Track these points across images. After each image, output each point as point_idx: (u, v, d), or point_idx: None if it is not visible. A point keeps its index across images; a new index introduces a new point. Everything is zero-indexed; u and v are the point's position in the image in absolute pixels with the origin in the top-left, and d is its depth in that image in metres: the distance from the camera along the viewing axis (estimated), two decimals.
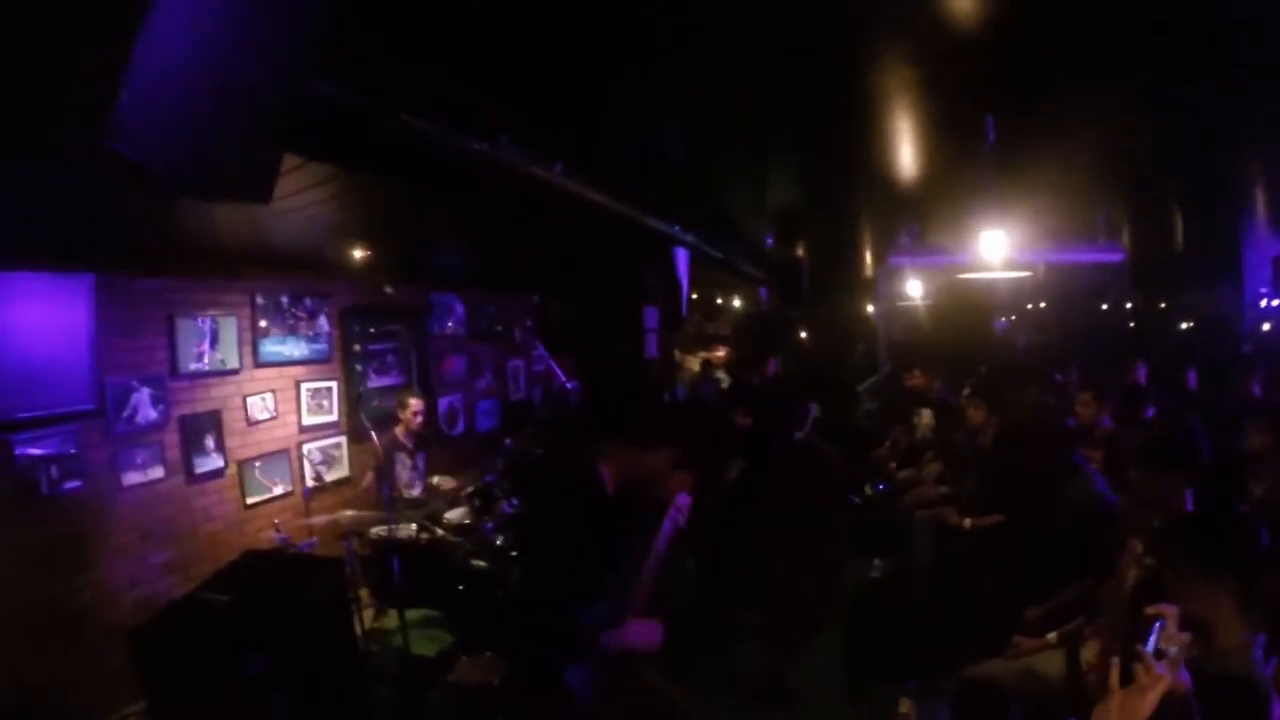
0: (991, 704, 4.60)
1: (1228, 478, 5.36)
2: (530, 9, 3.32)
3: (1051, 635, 4.63)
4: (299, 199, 4.60)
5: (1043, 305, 22.26)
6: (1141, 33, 3.96)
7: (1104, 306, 21.18)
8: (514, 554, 6.31)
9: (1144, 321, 19.59)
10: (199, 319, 6.55)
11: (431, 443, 8.06)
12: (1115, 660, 2.55)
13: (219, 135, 1.70)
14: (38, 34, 1.50)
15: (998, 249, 6.95)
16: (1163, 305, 18.60)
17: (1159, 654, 2.51)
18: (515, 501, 6.86)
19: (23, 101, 1.51)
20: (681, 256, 9.06)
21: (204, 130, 1.67)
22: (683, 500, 3.42)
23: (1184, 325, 17.58)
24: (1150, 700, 2.43)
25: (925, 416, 10.21)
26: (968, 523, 6.97)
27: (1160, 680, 2.44)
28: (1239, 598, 2.89)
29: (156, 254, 6.05)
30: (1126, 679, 2.51)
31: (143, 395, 6.09)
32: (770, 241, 10.91)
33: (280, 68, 1.86)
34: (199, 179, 1.70)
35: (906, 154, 6.34)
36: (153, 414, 6.16)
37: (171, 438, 6.32)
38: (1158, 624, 2.59)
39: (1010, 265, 7.47)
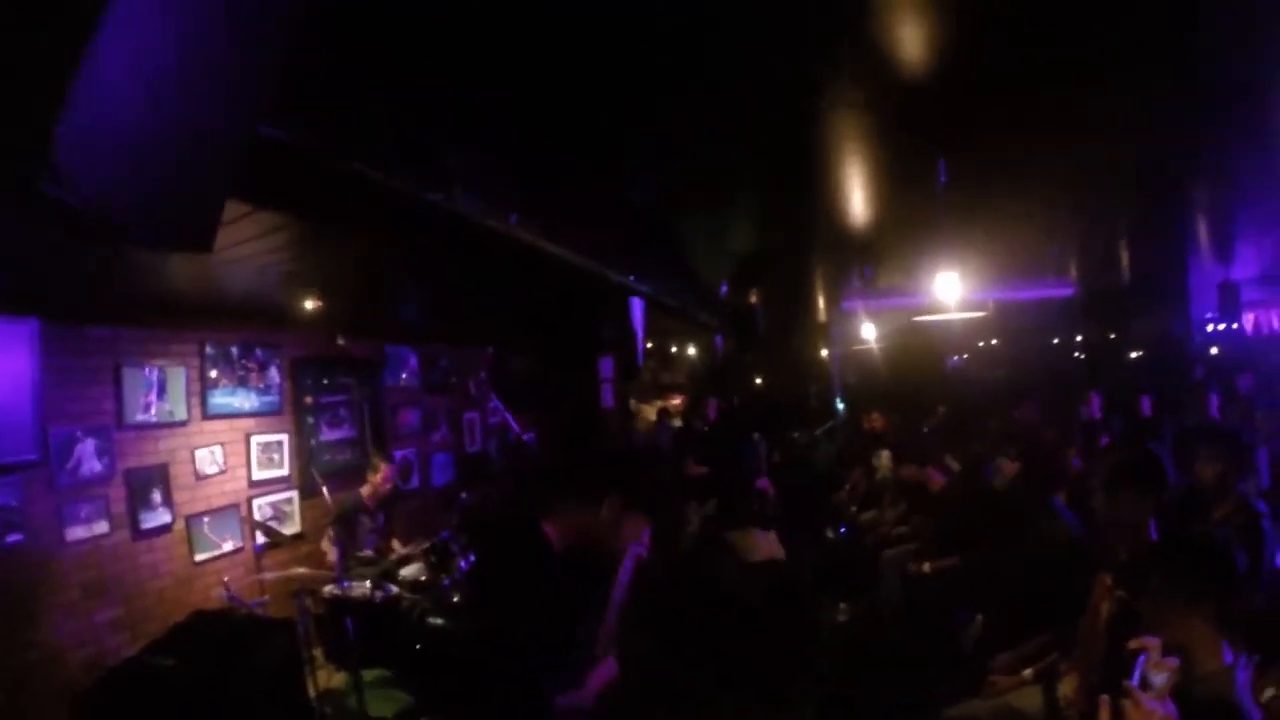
0: None
1: (1190, 502, 5.38)
2: (485, 57, 3.28)
3: (1027, 672, 4.60)
4: (248, 247, 4.51)
5: (994, 342, 22.53)
6: (1085, 71, 4.01)
7: (1055, 340, 21.47)
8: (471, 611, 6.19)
9: (1095, 353, 19.86)
10: (147, 369, 6.42)
11: (394, 502, 7.90)
12: (1105, 699, 2.51)
13: (162, 181, 1.63)
14: None
15: (953, 290, 6.99)
16: (1113, 336, 18.86)
17: (1145, 686, 2.48)
18: (472, 557, 6.73)
19: None
20: (637, 305, 9.04)
21: (146, 176, 1.59)
22: (644, 535, 3.31)
23: (1134, 354, 17.86)
24: None
25: (884, 458, 10.23)
26: (927, 567, 6.96)
27: (1151, 715, 2.40)
28: (1216, 621, 2.87)
29: (104, 301, 5.92)
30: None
31: (88, 446, 5.94)
32: (725, 289, 10.93)
33: (230, 111, 1.80)
34: (140, 227, 1.62)
35: (858, 198, 6.36)
36: (98, 466, 6.00)
37: (117, 491, 6.17)
38: (1141, 657, 2.56)
39: (965, 306, 7.52)
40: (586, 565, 3.08)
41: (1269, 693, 3.62)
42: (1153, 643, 2.60)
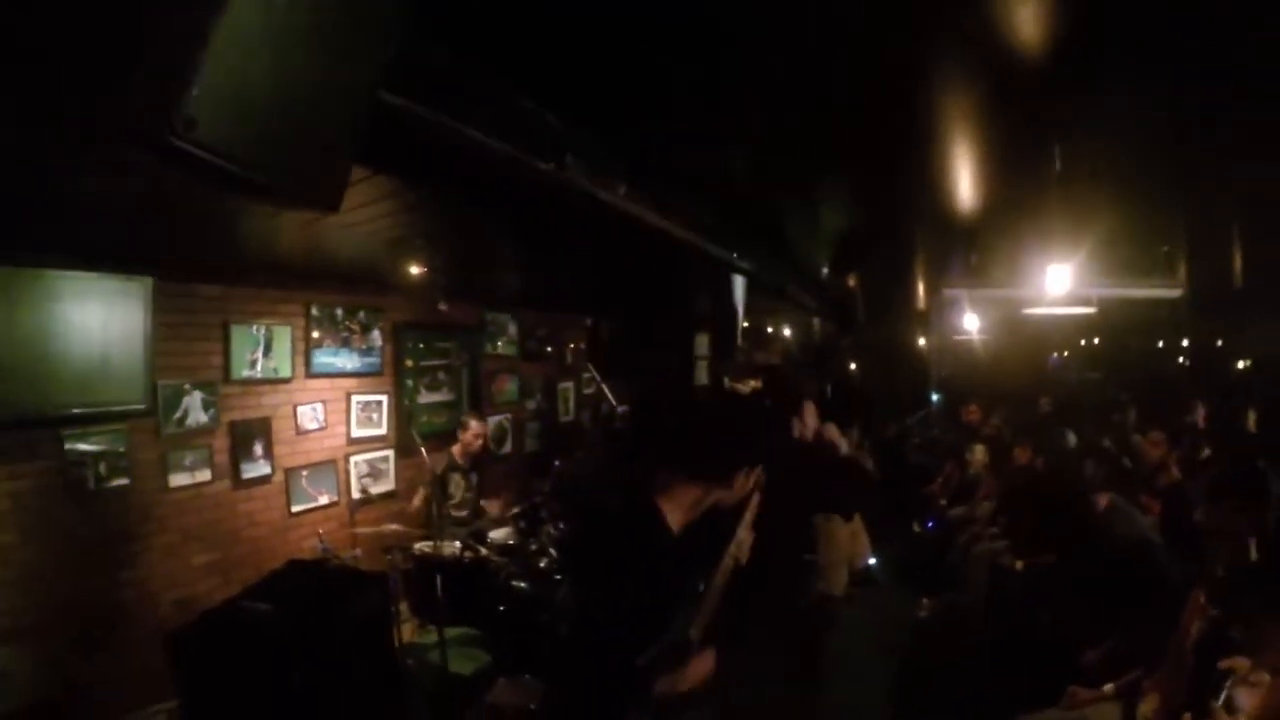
0: None
1: None
2: (596, 26, 3.29)
3: (1108, 687, 4.51)
4: (361, 213, 4.60)
5: (1096, 341, 21.97)
6: (1205, 61, 3.88)
7: (1159, 344, 20.87)
8: (558, 578, 6.26)
9: (1200, 360, 19.27)
10: (254, 327, 6.62)
11: (484, 463, 8.02)
12: (1188, 717, 2.46)
13: (292, 140, 1.67)
14: (109, 27, 1.48)
15: (1063, 284, 6.83)
16: (1220, 343, 18.26)
17: (1231, 708, 2.43)
18: (562, 525, 6.80)
19: (96, 92, 1.49)
20: (738, 284, 9.01)
21: (277, 134, 1.63)
22: (745, 534, 3.22)
23: (1241, 364, 17.29)
24: None
25: (979, 453, 10.04)
26: (1019, 564, 6.85)
27: None
28: None
29: (215, 261, 6.12)
30: None
31: (194, 399, 6.16)
32: (826, 270, 10.83)
33: (354, 73, 1.83)
34: (268, 184, 1.67)
35: (966, 182, 6.24)
36: (203, 417, 6.22)
37: (221, 442, 6.39)
38: (1229, 678, 2.51)
39: (1074, 300, 7.35)
40: (698, 542, 2.97)
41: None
42: (1242, 663, 2.55)
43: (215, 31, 1.49)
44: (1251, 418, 11.80)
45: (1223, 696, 2.47)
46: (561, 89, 3.73)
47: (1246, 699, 2.48)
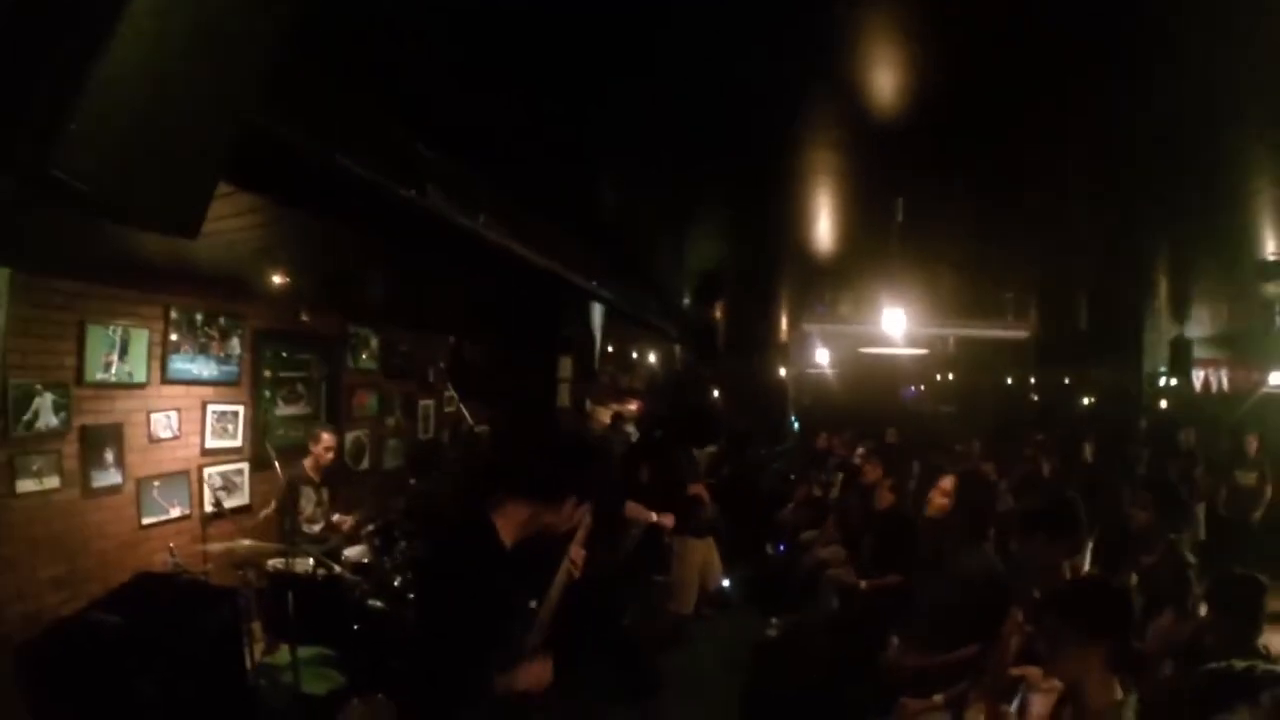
0: None
1: (1116, 548, 5.62)
2: (462, 55, 3.42)
3: (938, 697, 4.77)
4: (224, 224, 4.61)
5: (950, 377, 22.87)
6: (1044, 123, 4.18)
7: (1009, 380, 21.85)
8: (412, 596, 6.28)
9: (1047, 395, 20.28)
10: (110, 327, 6.43)
11: (339, 478, 7.97)
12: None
13: (158, 167, 1.75)
14: None
15: (898, 326, 7.19)
16: (1066, 381, 19.26)
17: (1024, 712, 2.68)
18: (416, 543, 6.82)
19: None
20: (596, 310, 9.17)
21: (145, 162, 1.71)
22: (577, 552, 3.43)
23: (1086, 400, 18.27)
24: None
25: (831, 478, 10.42)
26: (864, 584, 7.15)
27: None
28: (1109, 660, 3.05)
29: (75, 256, 5.89)
30: None
31: (45, 400, 5.94)
32: (687, 300, 11.09)
33: (225, 105, 1.92)
34: (135, 209, 1.76)
35: (821, 228, 6.53)
36: (54, 421, 6.00)
37: (71, 448, 6.17)
38: (1022, 684, 2.76)
39: (911, 342, 7.74)
40: (530, 558, 3.17)
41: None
42: (1033, 671, 2.80)
43: (95, 66, 1.58)
44: (1088, 449, 12.61)
45: (1015, 702, 2.71)
46: (428, 118, 3.85)
47: (1039, 704, 2.72)
